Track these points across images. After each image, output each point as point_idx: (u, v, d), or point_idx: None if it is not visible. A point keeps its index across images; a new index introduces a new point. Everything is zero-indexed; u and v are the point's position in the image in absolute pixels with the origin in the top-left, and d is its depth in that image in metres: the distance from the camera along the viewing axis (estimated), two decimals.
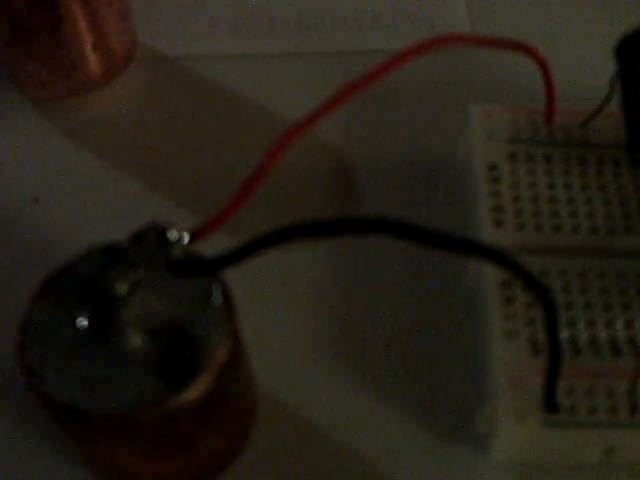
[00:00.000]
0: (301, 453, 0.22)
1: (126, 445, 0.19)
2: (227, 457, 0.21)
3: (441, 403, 0.22)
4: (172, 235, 0.19)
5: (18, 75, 0.27)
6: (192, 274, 0.19)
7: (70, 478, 0.21)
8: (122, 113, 0.27)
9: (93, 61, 0.27)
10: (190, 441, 0.19)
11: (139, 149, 0.27)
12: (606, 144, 0.24)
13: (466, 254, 0.17)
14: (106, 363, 0.18)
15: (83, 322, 0.18)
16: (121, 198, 0.26)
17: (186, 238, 0.19)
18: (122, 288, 0.18)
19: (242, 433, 0.21)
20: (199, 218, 0.20)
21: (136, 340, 0.18)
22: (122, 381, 0.18)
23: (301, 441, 0.22)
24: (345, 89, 0.21)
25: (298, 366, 0.23)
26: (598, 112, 0.24)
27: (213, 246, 0.19)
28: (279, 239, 0.18)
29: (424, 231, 0.17)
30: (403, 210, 0.25)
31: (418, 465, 0.22)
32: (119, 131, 0.27)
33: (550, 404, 0.20)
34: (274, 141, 0.20)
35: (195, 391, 0.18)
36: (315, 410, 0.22)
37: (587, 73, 0.27)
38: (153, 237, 0.19)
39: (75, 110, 0.27)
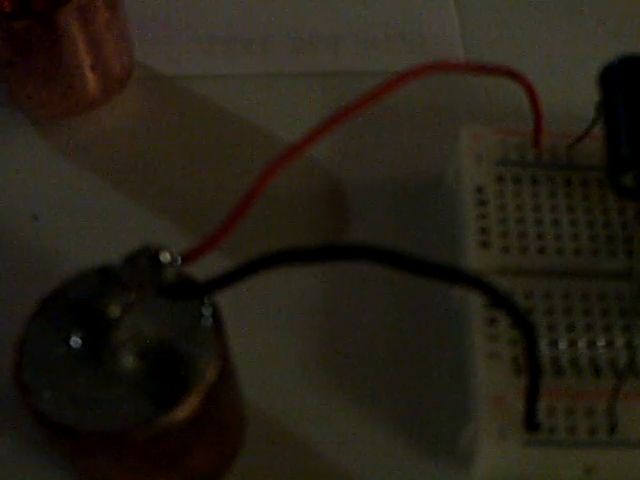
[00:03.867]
0: (289, 470, 0.22)
1: (117, 462, 0.19)
2: (216, 474, 0.22)
3: (426, 421, 0.23)
4: (164, 257, 0.19)
5: (17, 95, 0.27)
6: (183, 297, 0.19)
7: None
8: (119, 132, 0.28)
9: (91, 81, 0.27)
10: (179, 458, 0.20)
11: (136, 168, 0.27)
12: (592, 167, 0.25)
13: (440, 280, 0.17)
14: (99, 382, 0.19)
15: (77, 342, 0.19)
16: (118, 216, 0.26)
17: (178, 260, 0.20)
18: (114, 310, 0.19)
19: (231, 450, 0.22)
20: (196, 238, 0.21)
21: (128, 360, 0.19)
22: (114, 400, 0.18)
23: (289, 458, 0.22)
24: (335, 115, 0.22)
25: (286, 385, 0.23)
26: (585, 135, 0.25)
27: (207, 267, 0.20)
28: (268, 264, 0.18)
29: (408, 259, 0.18)
30: (393, 231, 0.26)
31: None
32: (116, 150, 0.28)
33: (531, 423, 0.20)
34: (266, 165, 0.21)
35: (184, 410, 0.18)
36: (302, 428, 0.23)
37: (576, 96, 0.27)
38: (146, 259, 0.19)
39: (73, 129, 0.28)
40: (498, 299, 0.18)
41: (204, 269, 0.20)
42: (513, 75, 0.24)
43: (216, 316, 0.19)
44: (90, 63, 0.27)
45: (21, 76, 0.26)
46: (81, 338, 0.19)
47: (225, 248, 0.22)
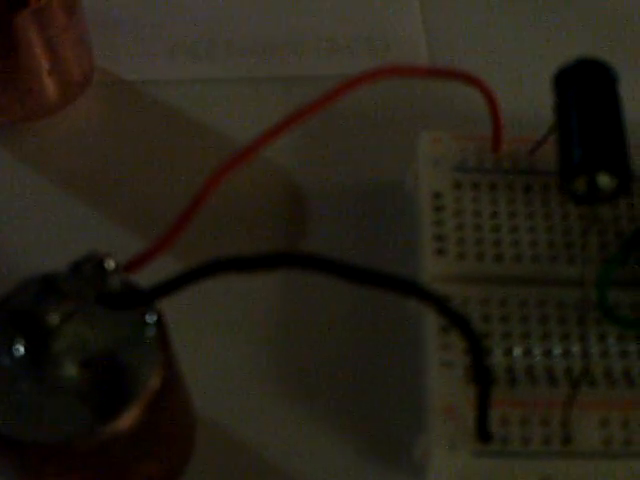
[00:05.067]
0: (239, 478, 0.22)
1: (60, 474, 0.19)
2: None
3: (381, 431, 0.23)
4: (109, 265, 0.19)
5: None
6: (126, 306, 0.19)
7: None
8: (78, 138, 0.28)
9: (49, 86, 0.27)
10: (125, 470, 0.20)
11: (94, 174, 0.27)
12: (552, 172, 0.24)
13: (383, 289, 0.17)
14: (40, 392, 0.18)
15: (19, 351, 0.19)
16: (74, 223, 0.26)
17: (122, 268, 0.19)
18: (54, 319, 0.18)
19: (179, 461, 0.21)
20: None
21: (70, 370, 0.18)
22: (56, 410, 0.18)
23: (240, 469, 0.22)
24: (286, 119, 0.21)
25: (238, 393, 0.23)
26: (545, 140, 0.24)
27: (162, 274, 0.19)
28: (210, 272, 0.18)
29: (351, 269, 0.17)
30: (352, 237, 0.26)
31: None
32: (75, 156, 0.27)
33: (483, 434, 0.20)
34: (212, 171, 0.21)
35: (126, 420, 0.18)
36: (255, 437, 0.22)
37: (541, 102, 0.27)
38: (91, 267, 0.19)
39: (31, 135, 0.28)
40: (443, 309, 0.18)
41: (158, 276, 0.19)
42: (470, 79, 0.23)
43: (160, 324, 0.19)
44: (48, 68, 0.26)
45: None
46: (23, 347, 0.19)
47: (179, 254, 0.22)
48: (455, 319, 0.18)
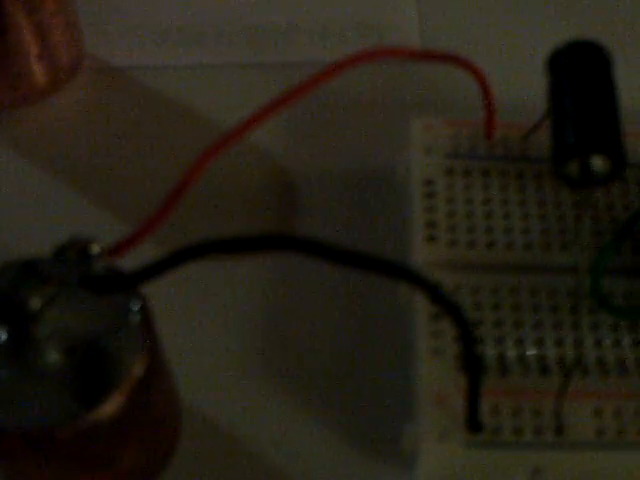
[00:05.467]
0: (225, 469, 0.22)
1: (43, 461, 0.19)
2: (149, 473, 0.21)
3: (370, 421, 0.22)
4: (93, 250, 0.19)
5: None
6: (109, 290, 0.19)
7: None
8: (67, 123, 0.27)
9: (38, 71, 0.26)
10: (108, 457, 0.19)
11: (83, 160, 0.27)
12: (546, 159, 0.24)
13: (373, 272, 0.17)
14: (22, 379, 0.18)
15: (1, 337, 0.18)
16: (62, 209, 0.26)
17: (105, 253, 0.19)
18: (35, 303, 0.18)
19: (164, 449, 0.21)
20: None
21: (52, 356, 0.18)
22: (38, 397, 0.18)
23: (226, 457, 0.22)
24: (271, 103, 0.21)
25: (225, 382, 0.23)
26: (538, 126, 0.24)
27: (146, 259, 0.19)
28: (193, 255, 0.18)
29: (338, 251, 0.17)
30: (343, 224, 0.25)
31: None
32: (64, 141, 0.27)
33: (473, 424, 0.20)
34: (197, 156, 0.20)
35: (109, 407, 0.18)
36: (241, 427, 0.22)
37: (535, 88, 0.27)
38: (75, 252, 0.19)
39: (20, 120, 0.27)
40: (433, 294, 0.18)
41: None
42: (459, 61, 0.23)
43: (144, 309, 0.19)
44: (37, 52, 0.26)
45: None
46: (5, 333, 0.18)
47: (165, 241, 0.22)
48: (446, 305, 0.17)
